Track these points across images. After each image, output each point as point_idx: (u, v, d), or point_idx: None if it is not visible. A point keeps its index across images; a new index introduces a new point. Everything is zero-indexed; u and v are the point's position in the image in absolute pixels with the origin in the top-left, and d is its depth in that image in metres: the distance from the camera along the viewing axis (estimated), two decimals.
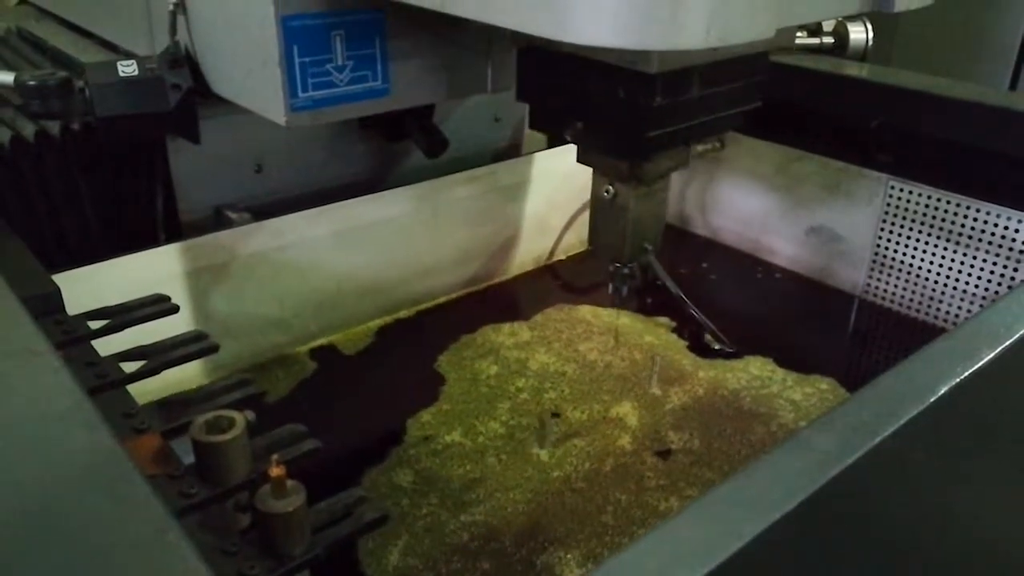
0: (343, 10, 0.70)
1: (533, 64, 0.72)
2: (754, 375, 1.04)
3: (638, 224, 0.83)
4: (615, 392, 1.00)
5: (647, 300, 1.20)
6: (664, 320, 1.16)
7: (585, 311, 1.18)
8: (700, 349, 1.10)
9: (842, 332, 1.19)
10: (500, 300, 1.24)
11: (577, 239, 1.35)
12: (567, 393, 1.00)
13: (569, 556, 0.77)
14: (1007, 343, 0.55)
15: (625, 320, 1.15)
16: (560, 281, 1.30)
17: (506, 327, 1.14)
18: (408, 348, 1.11)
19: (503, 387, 1.01)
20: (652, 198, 0.83)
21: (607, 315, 1.17)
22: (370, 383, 1.04)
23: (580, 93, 0.72)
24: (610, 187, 0.81)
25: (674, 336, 1.13)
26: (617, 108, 0.70)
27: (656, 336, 1.13)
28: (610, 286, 0.91)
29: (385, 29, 0.73)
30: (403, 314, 1.16)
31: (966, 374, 0.52)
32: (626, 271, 0.89)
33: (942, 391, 0.50)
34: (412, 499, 0.83)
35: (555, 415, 0.93)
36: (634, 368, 1.04)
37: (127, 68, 0.80)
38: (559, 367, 1.05)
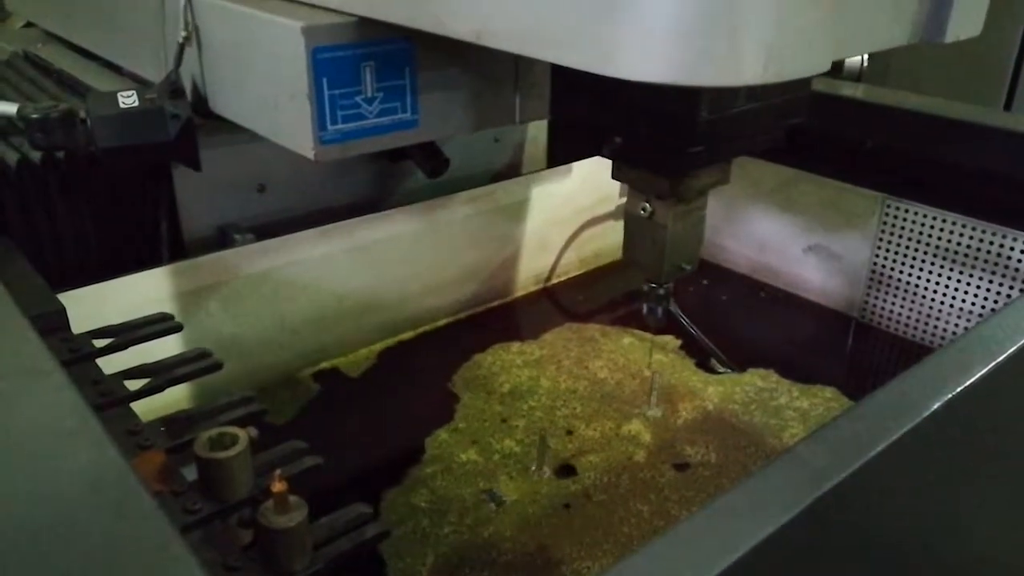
0: (373, 40, 0.69)
1: (569, 75, 0.71)
2: (761, 387, 1.06)
3: (676, 243, 0.80)
4: (626, 409, 1.01)
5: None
6: (670, 338, 1.17)
7: (593, 330, 1.20)
8: (707, 365, 1.11)
9: (841, 348, 1.20)
10: (509, 320, 1.25)
11: (577, 258, 1.36)
12: (579, 410, 1.01)
13: (597, 566, 0.78)
14: (999, 359, 0.55)
15: (631, 339, 1.17)
16: (567, 301, 1.31)
17: (515, 346, 1.15)
18: (419, 368, 1.12)
19: (516, 405, 1.02)
20: (691, 216, 0.80)
21: (615, 333, 1.18)
22: (382, 404, 1.05)
23: (619, 106, 0.70)
24: (647, 204, 0.78)
25: (682, 353, 1.14)
26: (660, 122, 0.68)
27: (664, 354, 1.14)
28: (644, 307, 0.88)
29: (415, 60, 0.71)
30: (408, 335, 1.17)
31: (959, 389, 0.52)
32: (662, 291, 0.86)
33: (935, 406, 0.50)
34: (431, 519, 0.84)
35: (569, 432, 0.95)
36: (644, 385, 1.06)
37: (127, 100, 0.81)
38: (570, 385, 1.06)
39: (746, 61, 0.46)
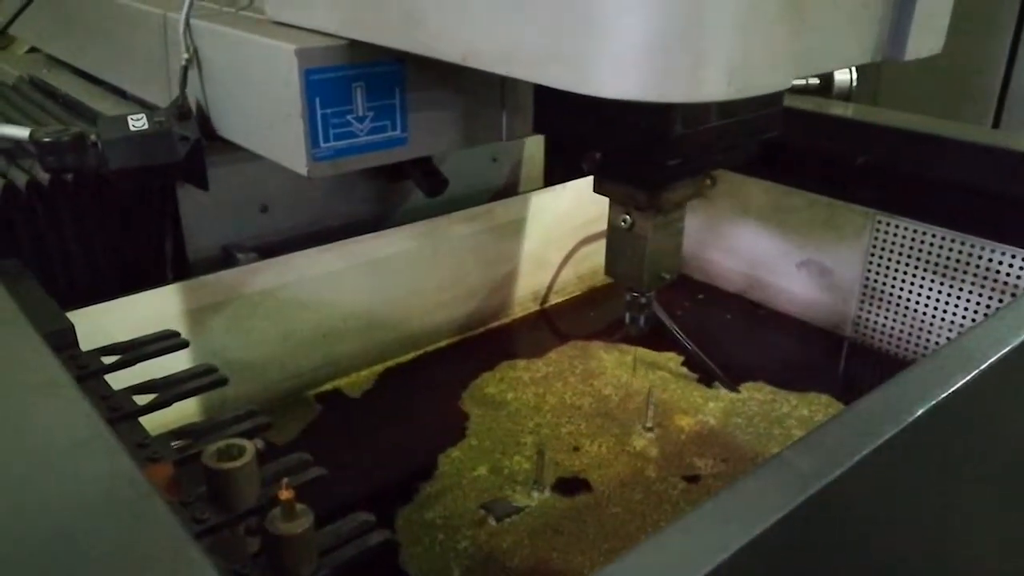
0: (364, 62, 0.72)
1: (551, 95, 0.70)
2: (761, 400, 1.08)
3: (656, 253, 0.83)
4: (631, 425, 1.03)
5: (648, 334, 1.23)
6: (672, 355, 1.19)
7: (597, 347, 1.22)
8: (708, 382, 1.13)
9: (834, 361, 1.22)
10: (513, 339, 1.28)
11: (575, 275, 1.38)
12: (584, 427, 1.03)
13: None
14: (980, 368, 0.57)
15: (634, 357, 1.19)
16: (569, 319, 1.34)
17: (522, 364, 1.17)
18: (426, 387, 1.13)
19: (524, 422, 1.04)
20: (670, 227, 0.83)
21: (619, 351, 1.21)
22: (388, 423, 1.06)
23: (598, 123, 0.73)
24: (627, 216, 0.81)
25: (684, 369, 1.16)
26: (636, 137, 0.71)
27: (667, 370, 1.16)
28: (626, 316, 0.91)
29: (405, 80, 0.74)
30: (410, 356, 1.19)
31: (941, 397, 0.54)
32: (643, 300, 0.89)
33: (918, 413, 0.52)
34: (447, 534, 0.86)
35: (576, 448, 0.97)
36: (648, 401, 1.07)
37: (137, 122, 0.83)
38: (575, 401, 1.09)
39: (710, 78, 0.49)
